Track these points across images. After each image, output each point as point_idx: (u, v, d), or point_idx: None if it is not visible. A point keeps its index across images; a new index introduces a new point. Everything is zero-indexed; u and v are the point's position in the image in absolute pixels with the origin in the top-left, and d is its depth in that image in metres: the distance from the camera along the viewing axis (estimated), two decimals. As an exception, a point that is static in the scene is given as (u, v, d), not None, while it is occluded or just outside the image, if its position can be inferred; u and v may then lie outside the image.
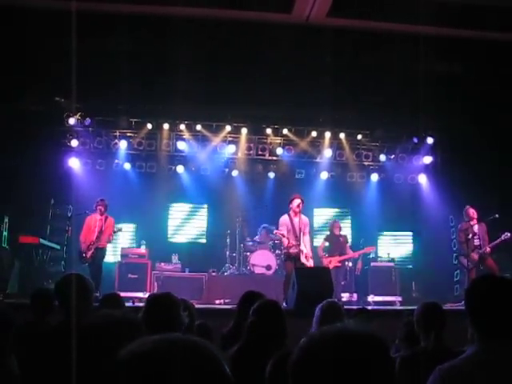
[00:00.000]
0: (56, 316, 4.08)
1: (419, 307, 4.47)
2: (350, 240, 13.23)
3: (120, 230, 11.80)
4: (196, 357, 1.23)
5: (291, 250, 10.50)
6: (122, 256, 12.89)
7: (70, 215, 11.55)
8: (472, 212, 11.50)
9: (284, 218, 10.72)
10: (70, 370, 1.85)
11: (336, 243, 12.49)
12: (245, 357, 3.74)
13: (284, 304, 9.42)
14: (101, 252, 11.17)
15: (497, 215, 11.30)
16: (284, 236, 10.54)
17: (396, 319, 5.91)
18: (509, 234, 10.96)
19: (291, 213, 10.67)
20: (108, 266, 12.34)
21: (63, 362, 2.02)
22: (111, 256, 13.07)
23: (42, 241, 11.25)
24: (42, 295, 5.15)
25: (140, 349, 1.25)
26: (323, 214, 15.04)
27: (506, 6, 11.44)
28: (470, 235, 11.29)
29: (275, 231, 11.05)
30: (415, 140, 14.46)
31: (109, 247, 12.56)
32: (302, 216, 10.78)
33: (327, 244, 12.55)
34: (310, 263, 10.64)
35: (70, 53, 6.51)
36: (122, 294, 10.38)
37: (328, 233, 12.83)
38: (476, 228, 11.40)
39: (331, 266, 11.63)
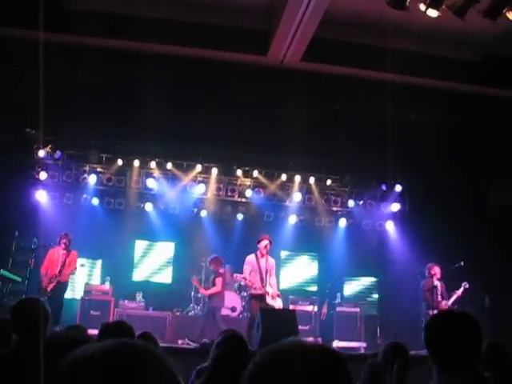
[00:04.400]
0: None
1: (384, 347, 4.47)
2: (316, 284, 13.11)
3: (82, 265, 11.70)
4: (145, 358, 1.21)
5: (256, 291, 10.43)
6: (86, 292, 12.67)
7: (33, 247, 11.31)
8: (436, 270, 11.60)
9: (250, 258, 10.69)
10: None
11: None
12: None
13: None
14: (62, 286, 10.99)
15: (462, 263, 11.39)
16: (245, 279, 10.48)
17: (360, 364, 5.85)
18: (467, 284, 11.12)
19: (258, 253, 10.66)
20: (71, 303, 12.16)
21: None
22: (75, 292, 12.86)
23: (2, 272, 11.01)
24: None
25: (88, 351, 1.22)
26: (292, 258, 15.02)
27: (477, 61, 11.84)
28: (435, 290, 11.42)
29: (235, 275, 10.98)
30: (384, 187, 14.61)
31: (77, 283, 12.39)
32: (269, 257, 10.78)
33: None
34: (278, 303, 10.57)
35: (41, 84, 6.51)
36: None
37: None
38: (438, 284, 11.52)
39: None
